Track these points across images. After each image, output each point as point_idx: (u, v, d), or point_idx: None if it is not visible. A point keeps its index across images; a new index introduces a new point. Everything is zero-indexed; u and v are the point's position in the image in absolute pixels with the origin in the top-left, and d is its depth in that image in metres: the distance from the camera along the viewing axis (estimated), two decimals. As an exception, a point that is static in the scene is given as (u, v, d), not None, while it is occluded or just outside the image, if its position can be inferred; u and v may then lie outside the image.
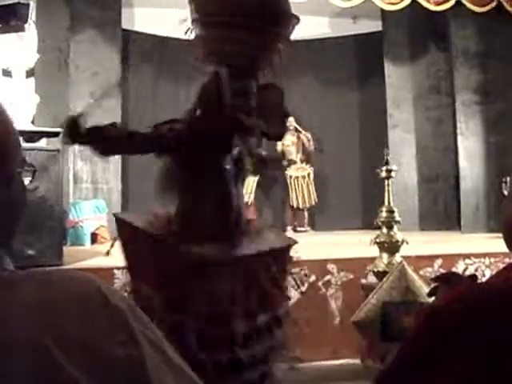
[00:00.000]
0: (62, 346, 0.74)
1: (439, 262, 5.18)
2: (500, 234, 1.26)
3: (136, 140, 2.83)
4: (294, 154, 10.45)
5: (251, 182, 10.11)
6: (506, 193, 1.43)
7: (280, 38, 3.08)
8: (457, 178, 9.15)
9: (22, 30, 5.31)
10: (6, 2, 5.14)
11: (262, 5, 2.85)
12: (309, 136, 10.34)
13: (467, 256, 5.32)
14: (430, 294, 1.57)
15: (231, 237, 2.85)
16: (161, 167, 2.96)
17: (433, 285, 1.58)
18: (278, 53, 3.08)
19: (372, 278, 4.73)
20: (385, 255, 4.66)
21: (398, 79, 9.99)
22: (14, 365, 0.72)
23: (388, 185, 4.77)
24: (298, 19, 3.14)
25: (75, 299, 0.80)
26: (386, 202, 4.75)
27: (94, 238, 7.38)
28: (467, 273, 5.14)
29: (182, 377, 0.86)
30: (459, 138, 8.96)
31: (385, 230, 4.69)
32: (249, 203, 10.07)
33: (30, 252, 4.74)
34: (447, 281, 1.53)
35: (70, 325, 0.77)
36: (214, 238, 2.76)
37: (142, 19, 10.16)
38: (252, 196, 10.11)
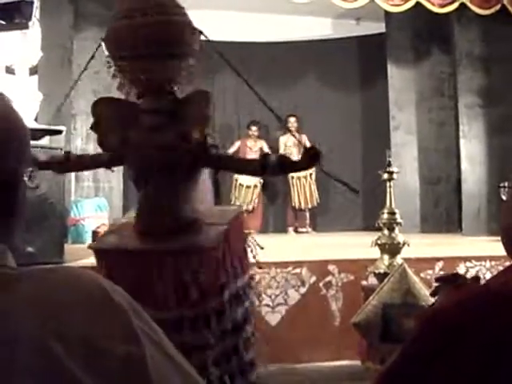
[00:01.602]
0: (65, 344, 0.74)
1: (440, 264, 5.18)
2: (501, 237, 1.25)
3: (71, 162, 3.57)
4: (295, 154, 10.45)
5: (252, 190, 10.14)
6: (504, 198, 1.42)
7: (186, 55, 3.35)
8: (458, 180, 9.14)
9: (25, 27, 5.32)
10: (10, 0, 5.14)
11: (157, 33, 3.17)
12: (304, 138, 10.36)
13: (468, 259, 5.31)
14: (432, 294, 1.57)
15: (157, 232, 3.17)
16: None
17: (435, 285, 1.58)
18: (187, 68, 3.37)
19: (373, 280, 4.73)
20: (386, 257, 4.65)
21: (400, 81, 9.98)
22: (17, 363, 0.72)
23: (390, 186, 4.77)
24: (200, 32, 3.41)
25: (78, 297, 0.80)
26: (388, 204, 4.74)
27: (95, 236, 7.38)
28: (468, 276, 5.13)
29: (182, 374, 0.86)
30: (461, 141, 8.95)
31: (386, 232, 4.69)
32: (250, 209, 10.11)
33: (31, 249, 4.74)
34: (450, 281, 1.53)
35: (72, 322, 0.77)
36: (144, 233, 3.22)
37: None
38: (254, 202, 10.14)
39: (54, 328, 0.75)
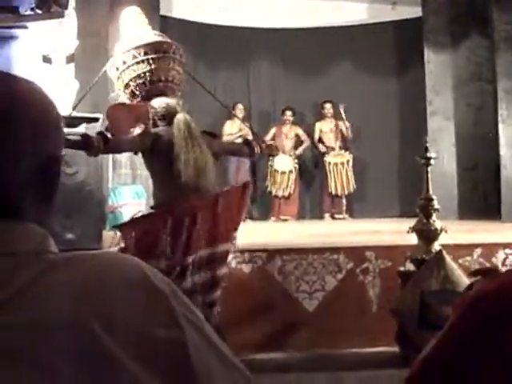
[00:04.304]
0: (105, 327, 0.75)
1: (478, 251, 5.12)
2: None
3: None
4: (332, 140, 10.42)
5: (287, 176, 10.14)
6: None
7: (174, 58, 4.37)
8: (497, 166, 9.00)
9: (61, 16, 5.36)
10: (47, -11, 5.19)
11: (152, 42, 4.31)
12: (347, 124, 10.31)
13: (507, 245, 5.24)
14: (468, 289, 1.55)
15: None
16: None
17: (471, 279, 1.56)
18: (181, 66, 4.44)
19: (410, 266, 4.70)
20: (423, 243, 4.62)
21: (437, 66, 9.86)
22: (57, 346, 0.73)
23: (427, 172, 4.72)
24: (175, 45, 4.43)
25: (119, 281, 0.81)
26: (425, 190, 4.70)
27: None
28: (507, 262, 5.07)
29: (223, 359, 0.86)
30: (500, 126, 8.80)
31: (423, 218, 4.65)
32: (286, 195, 10.12)
33: (70, 236, 4.81)
34: (486, 275, 1.51)
35: (113, 306, 0.77)
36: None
37: (180, 6, 10.19)
38: (290, 188, 10.13)
39: (94, 311, 0.76)
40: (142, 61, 4.25)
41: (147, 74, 4.26)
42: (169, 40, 4.49)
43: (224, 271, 4.04)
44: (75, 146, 3.81)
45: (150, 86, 4.28)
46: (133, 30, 4.47)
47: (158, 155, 4.02)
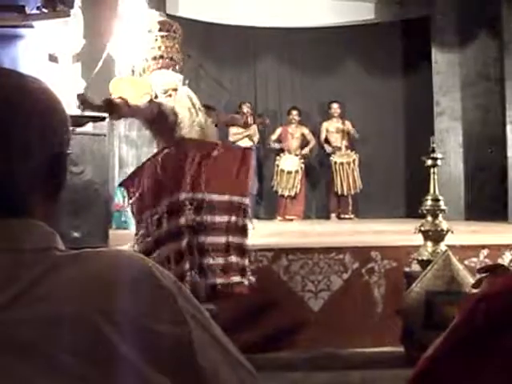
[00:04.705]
0: (111, 322, 0.75)
1: (485, 252, 5.10)
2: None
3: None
4: (338, 140, 10.41)
5: (293, 176, 10.13)
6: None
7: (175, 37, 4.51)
8: (504, 167, 8.97)
9: (68, 15, 5.37)
10: (53, -12, 5.20)
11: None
12: (350, 127, 10.33)
13: (514, 246, 5.22)
14: (474, 286, 1.54)
15: None
16: None
17: (478, 276, 1.56)
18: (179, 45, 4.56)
19: (416, 267, 4.69)
20: (429, 244, 4.61)
21: (445, 65, 9.84)
22: (63, 341, 0.74)
23: (433, 173, 4.71)
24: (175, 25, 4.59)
25: (125, 278, 0.81)
26: (432, 191, 4.69)
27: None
28: (512, 264, 5.06)
29: (229, 357, 0.86)
30: (508, 127, 8.77)
31: (430, 219, 4.64)
32: (292, 195, 10.12)
33: (76, 234, 4.81)
34: (493, 272, 1.51)
35: (119, 302, 0.78)
36: None
37: (186, 5, 10.19)
38: (296, 188, 10.12)
39: (100, 306, 0.76)
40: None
41: (151, 50, 4.44)
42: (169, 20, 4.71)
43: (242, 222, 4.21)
44: (99, 109, 3.99)
45: (152, 62, 4.45)
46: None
47: (164, 123, 4.24)
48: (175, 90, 4.39)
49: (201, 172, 4.02)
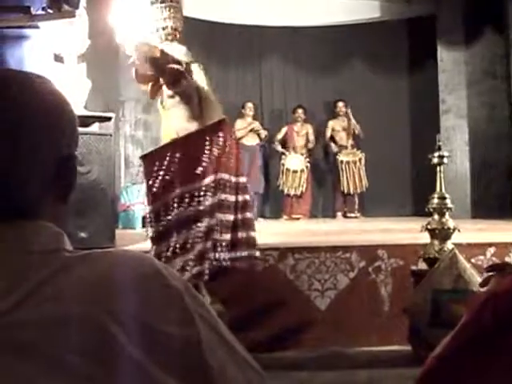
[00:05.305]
0: (120, 325, 0.75)
1: (492, 250, 5.09)
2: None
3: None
4: (344, 139, 10.41)
5: (299, 175, 10.13)
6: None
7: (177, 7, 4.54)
8: (511, 165, 8.96)
9: (73, 15, 5.38)
10: (58, -11, 5.21)
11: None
12: (355, 124, 10.32)
13: (521, 245, 5.20)
14: (482, 285, 1.53)
15: None
16: None
17: (486, 275, 1.55)
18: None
19: (422, 265, 4.68)
20: (436, 242, 4.59)
21: (451, 63, 9.82)
22: (70, 342, 0.74)
23: (440, 171, 4.70)
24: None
25: (133, 278, 0.81)
26: (438, 189, 4.68)
27: (145, 221, 7.46)
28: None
29: (236, 357, 0.86)
30: (514, 124, 8.77)
31: (436, 217, 4.63)
32: (298, 194, 10.12)
33: (83, 234, 4.82)
34: (501, 271, 1.50)
35: (126, 302, 0.78)
36: None
37: (191, 4, 10.18)
38: (302, 187, 10.12)
39: (108, 307, 0.76)
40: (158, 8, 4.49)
41: (158, 21, 4.47)
42: None
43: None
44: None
45: (162, 32, 4.50)
46: None
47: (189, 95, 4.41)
48: (187, 63, 4.45)
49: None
